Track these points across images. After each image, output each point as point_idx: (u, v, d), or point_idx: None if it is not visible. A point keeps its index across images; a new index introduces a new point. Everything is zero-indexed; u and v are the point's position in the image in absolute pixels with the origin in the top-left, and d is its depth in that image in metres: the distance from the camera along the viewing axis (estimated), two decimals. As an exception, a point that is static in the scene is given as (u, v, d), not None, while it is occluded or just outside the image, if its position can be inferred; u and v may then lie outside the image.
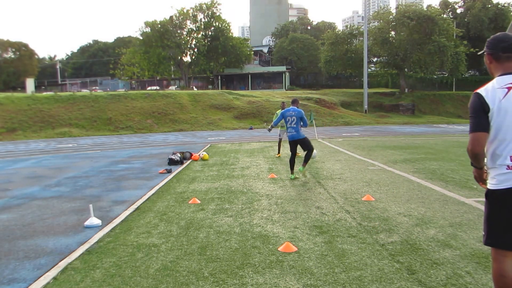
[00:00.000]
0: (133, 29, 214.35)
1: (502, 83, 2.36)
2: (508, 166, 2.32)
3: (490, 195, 2.43)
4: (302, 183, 7.97)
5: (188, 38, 49.49)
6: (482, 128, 2.35)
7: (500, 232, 2.39)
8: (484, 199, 2.52)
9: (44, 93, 36.56)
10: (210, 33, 49.76)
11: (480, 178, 2.56)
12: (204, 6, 49.21)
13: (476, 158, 2.43)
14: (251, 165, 10.67)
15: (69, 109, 29.06)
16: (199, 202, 6.49)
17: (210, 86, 54.87)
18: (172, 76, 55.62)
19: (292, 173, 8.52)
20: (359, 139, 18.36)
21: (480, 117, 2.36)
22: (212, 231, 4.92)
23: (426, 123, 31.52)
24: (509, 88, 2.34)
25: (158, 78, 55.22)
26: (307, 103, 33.10)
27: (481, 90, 2.39)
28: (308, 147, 8.44)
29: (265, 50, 66.67)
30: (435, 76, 46.97)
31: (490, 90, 2.36)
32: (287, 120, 8.38)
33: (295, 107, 8.52)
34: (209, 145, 17.02)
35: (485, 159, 2.49)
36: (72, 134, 25.88)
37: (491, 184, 2.42)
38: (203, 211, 5.92)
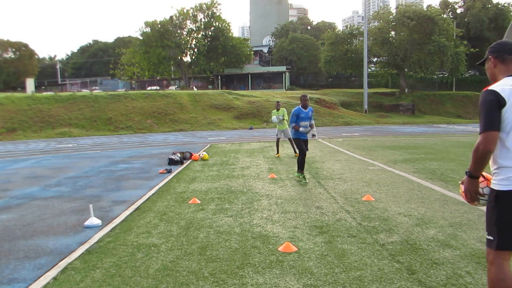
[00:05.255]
0: (133, 29, 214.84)
1: (511, 82, 2.35)
2: None
3: (503, 196, 2.33)
4: (302, 183, 7.96)
5: (188, 38, 49.48)
6: (496, 127, 2.29)
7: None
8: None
9: (44, 93, 36.54)
10: (210, 33, 49.75)
11: (475, 192, 2.45)
12: (204, 6, 49.21)
13: (485, 160, 2.33)
14: (251, 165, 10.67)
15: (69, 109, 29.06)
16: (199, 202, 6.49)
17: (210, 86, 54.87)
18: (172, 76, 55.63)
19: (301, 172, 8.13)
20: (359, 139, 18.36)
21: (494, 115, 2.29)
22: (212, 231, 4.92)
23: (426, 123, 31.53)
24: None
25: (158, 78, 55.21)
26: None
27: (494, 87, 2.35)
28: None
29: (265, 50, 66.65)
30: (435, 76, 46.99)
31: (503, 86, 2.33)
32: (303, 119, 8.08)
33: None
34: (209, 145, 17.02)
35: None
36: (72, 134, 25.88)
37: (503, 185, 2.33)
38: (203, 211, 5.92)
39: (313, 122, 8.22)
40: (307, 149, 8.18)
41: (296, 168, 8.32)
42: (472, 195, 2.48)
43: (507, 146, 2.33)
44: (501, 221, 2.36)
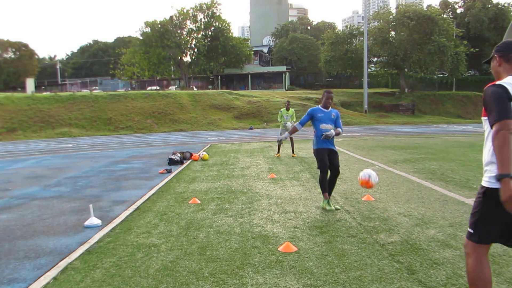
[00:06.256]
0: (133, 29, 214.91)
1: None
2: None
3: (491, 193, 2.36)
4: (302, 183, 7.97)
5: (188, 38, 49.49)
6: (510, 115, 2.19)
7: (495, 230, 2.39)
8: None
9: (44, 93, 36.54)
10: (210, 33, 49.76)
11: None
12: (204, 6, 49.22)
13: (509, 145, 2.12)
14: (251, 165, 10.67)
15: (69, 109, 29.06)
16: (199, 202, 6.49)
17: (210, 86, 54.88)
18: (172, 76, 55.62)
19: (326, 197, 5.88)
20: (359, 139, 18.36)
21: (506, 105, 2.25)
22: (212, 231, 4.92)
23: (426, 123, 31.52)
24: None
25: (158, 78, 55.23)
26: (307, 103, 33.12)
27: (503, 82, 2.35)
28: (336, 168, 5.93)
29: (265, 50, 66.64)
30: (435, 76, 46.99)
31: (510, 83, 2.33)
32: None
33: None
34: (209, 145, 17.02)
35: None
36: (72, 134, 25.88)
37: (492, 182, 2.35)
38: (203, 211, 5.92)
39: (340, 130, 5.97)
40: (338, 165, 5.90)
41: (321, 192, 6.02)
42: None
43: None
44: (485, 217, 2.41)
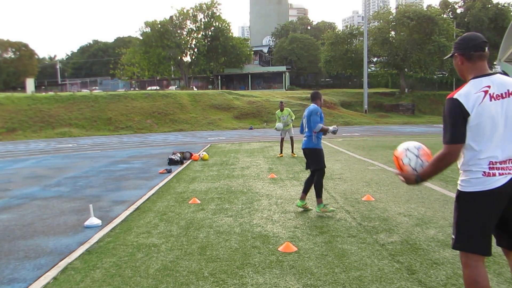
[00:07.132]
0: (133, 29, 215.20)
1: (478, 87, 2.29)
2: (484, 172, 2.30)
3: (463, 197, 2.38)
4: (302, 183, 7.95)
5: (188, 38, 49.50)
6: (461, 140, 2.30)
7: (471, 236, 2.35)
8: None
9: (44, 93, 36.55)
10: (210, 33, 49.78)
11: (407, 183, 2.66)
12: (204, 6, 49.23)
13: (445, 169, 2.41)
14: (251, 165, 10.67)
15: (69, 109, 29.07)
16: (199, 202, 6.49)
17: (210, 86, 54.89)
18: (172, 76, 55.64)
19: (302, 198, 5.75)
20: (359, 139, 18.35)
21: (459, 126, 2.28)
22: (212, 231, 4.92)
23: (426, 123, 31.52)
24: (485, 92, 2.27)
25: (158, 78, 55.23)
26: (308, 103, 33.11)
27: (458, 96, 2.30)
28: (315, 166, 5.70)
29: (265, 50, 66.65)
30: (435, 76, 47.02)
31: (467, 95, 2.29)
32: (302, 122, 5.97)
33: (313, 104, 5.90)
34: (209, 145, 17.02)
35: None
36: (72, 134, 25.89)
37: (464, 186, 2.37)
38: (203, 211, 5.92)
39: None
40: (311, 168, 5.81)
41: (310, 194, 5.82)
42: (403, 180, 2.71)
43: (471, 153, 2.34)
44: (459, 221, 2.40)
